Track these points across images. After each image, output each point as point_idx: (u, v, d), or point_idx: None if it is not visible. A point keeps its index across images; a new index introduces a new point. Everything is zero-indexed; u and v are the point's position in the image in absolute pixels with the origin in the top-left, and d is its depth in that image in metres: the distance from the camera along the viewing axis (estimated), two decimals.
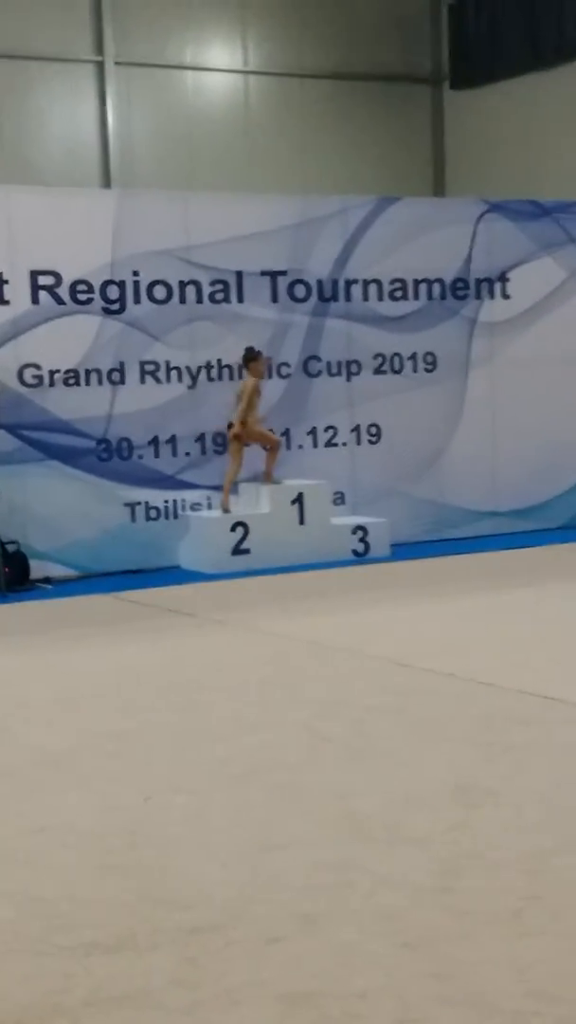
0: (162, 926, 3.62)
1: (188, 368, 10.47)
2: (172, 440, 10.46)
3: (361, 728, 5.62)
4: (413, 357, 11.48)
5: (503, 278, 11.75)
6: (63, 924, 3.68)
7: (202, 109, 18.00)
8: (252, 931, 3.57)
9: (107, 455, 10.21)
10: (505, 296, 11.79)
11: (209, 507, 10.60)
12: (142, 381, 10.30)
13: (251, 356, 10.42)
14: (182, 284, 10.43)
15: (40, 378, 9.90)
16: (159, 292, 10.33)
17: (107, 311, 10.13)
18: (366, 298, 11.21)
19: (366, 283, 11.23)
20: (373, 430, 11.36)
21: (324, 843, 4.20)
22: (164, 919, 3.67)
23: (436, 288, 11.55)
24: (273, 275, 10.82)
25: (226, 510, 10.44)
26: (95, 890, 3.93)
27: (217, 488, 10.55)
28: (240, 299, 10.65)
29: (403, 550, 10.89)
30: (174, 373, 10.43)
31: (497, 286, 11.75)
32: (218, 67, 17.91)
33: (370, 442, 11.32)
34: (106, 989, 3.26)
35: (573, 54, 17.05)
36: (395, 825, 4.35)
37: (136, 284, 10.24)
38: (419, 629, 7.81)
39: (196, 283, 10.48)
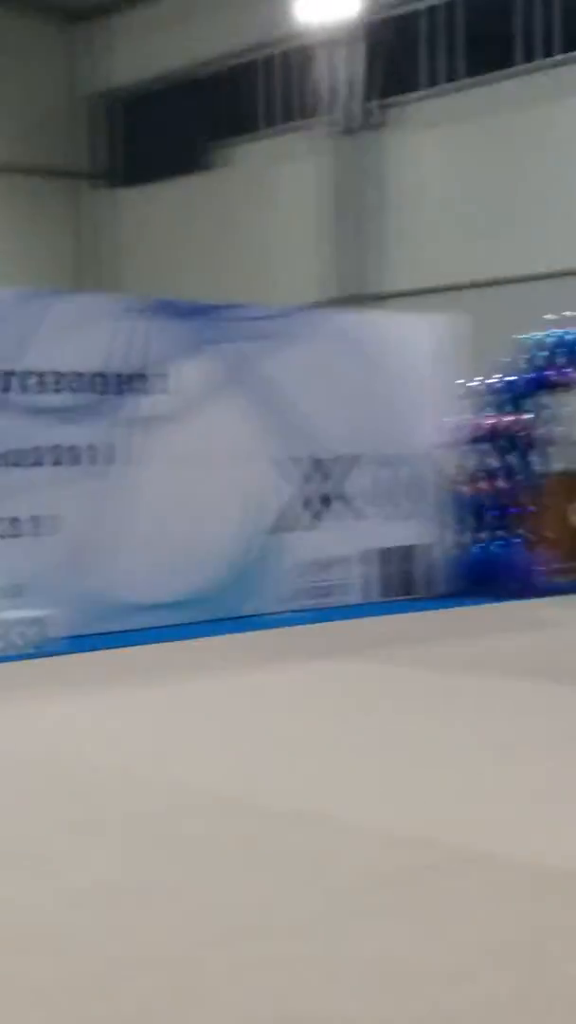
0: None
1: None
2: None
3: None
4: (73, 450, 11.14)
5: (155, 375, 11.58)
6: None
7: None
8: None
9: None
10: (157, 393, 11.59)
11: None
12: None
13: None
14: None
15: None
16: None
17: None
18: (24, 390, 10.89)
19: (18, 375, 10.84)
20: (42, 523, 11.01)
21: None
22: None
23: (90, 382, 11.27)
24: None
25: None
26: None
27: None
28: None
29: (82, 642, 10.54)
30: None
31: (150, 382, 11.56)
32: None
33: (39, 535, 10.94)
34: None
35: (208, 164, 17.96)
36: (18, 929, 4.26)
37: None
38: (75, 718, 7.81)
39: None
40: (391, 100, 19.68)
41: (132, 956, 4.07)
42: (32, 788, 6.21)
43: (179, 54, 18.35)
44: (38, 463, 11.09)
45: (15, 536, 10.91)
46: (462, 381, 13.65)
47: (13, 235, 18.44)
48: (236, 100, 18.43)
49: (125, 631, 11.18)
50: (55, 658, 10.31)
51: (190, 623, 11.57)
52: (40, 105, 18.92)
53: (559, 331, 14.28)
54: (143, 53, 18.83)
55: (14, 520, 10.93)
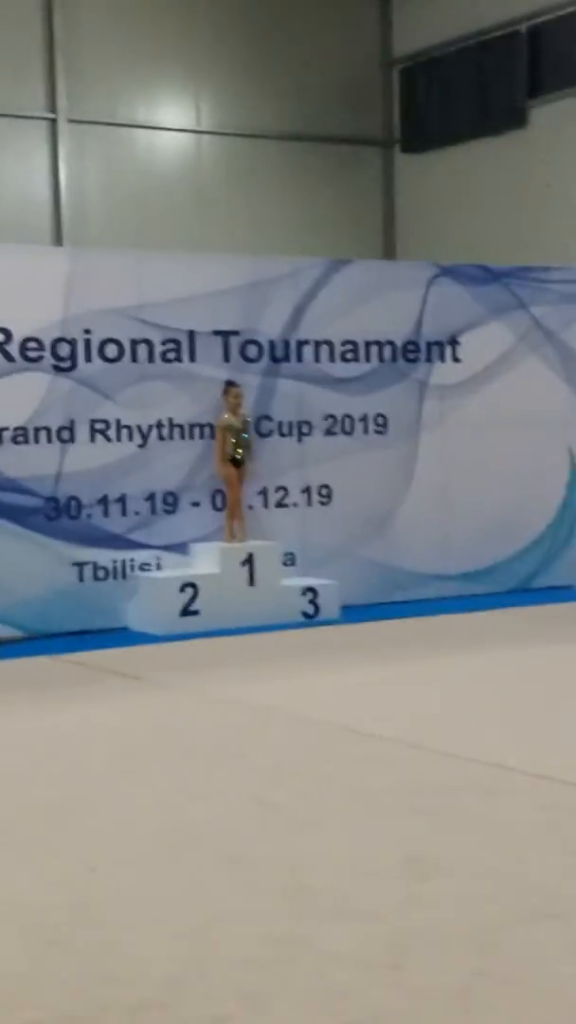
0: (106, 1004, 3.56)
1: (139, 427, 10.53)
2: (122, 499, 10.49)
3: (310, 798, 5.55)
4: (364, 419, 11.63)
5: (454, 341, 11.94)
6: (2, 1003, 3.62)
7: (154, 168, 18.11)
8: (197, 1009, 3.51)
9: (55, 514, 10.23)
10: (456, 359, 11.95)
11: (158, 567, 10.65)
12: (92, 439, 10.35)
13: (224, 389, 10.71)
14: (134, 343, 10.49)
15: None
16: (111, 350, 10.39)
17: (58, 369, 10.19)
18: (318, 359, 11.41)
19: (318, 344, 11.43)
20: (324, 491, 11.51)
21: (271, 917, 4.16)
22: (108, 997, 3.60)
23: (387, 351, 11.77)
24: (225, 335, 10.96)
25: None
26: (36, 967, 3.85)
27: (167, 547, 10.62)
28: (192, 359, 10.76)
29: (353, 612, 10.94)
30: (125, 432, 10.49)
31: (448, 349, 11.92)
32: (171, 126, 18.03)
33: (321, 503, 11.48)
34: None
35: (521, 121, 17.34)
36: (344, 898, 4.31)
37: (87, 342, 10.29)
38: (369, 694, 7.76)
39: (148, 342, 10.56)
40: None
41: (430, 928, 4.05)
42: (317, 754, 6.31)
43: (480, 16, 17.85)
44: (336, 431, 11.47)
45: (321, 505, 11.41)
46: None
47: (314, 205, 18.76)
48: (538, 59, 17.59)
49: (408, 601, 11.50)
50: (330, 627, 10.57)
51: (477, 595, 11.77)
52: (345, 72, 19.07)
53: None
54: (445, 17, 18.45)
55: (322, 487, 11.38)
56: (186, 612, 10.34)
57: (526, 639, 9.71)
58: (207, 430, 10.83)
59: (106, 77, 17.46)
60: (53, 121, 17.08)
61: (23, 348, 10.00)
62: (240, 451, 10.76)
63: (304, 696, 7.78)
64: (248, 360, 11.05)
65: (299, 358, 11.29)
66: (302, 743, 6.60)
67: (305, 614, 10.73)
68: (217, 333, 10.88)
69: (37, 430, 10.09)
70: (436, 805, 5.36)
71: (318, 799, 5.53)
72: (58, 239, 17.15)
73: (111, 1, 17.56)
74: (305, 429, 11.36)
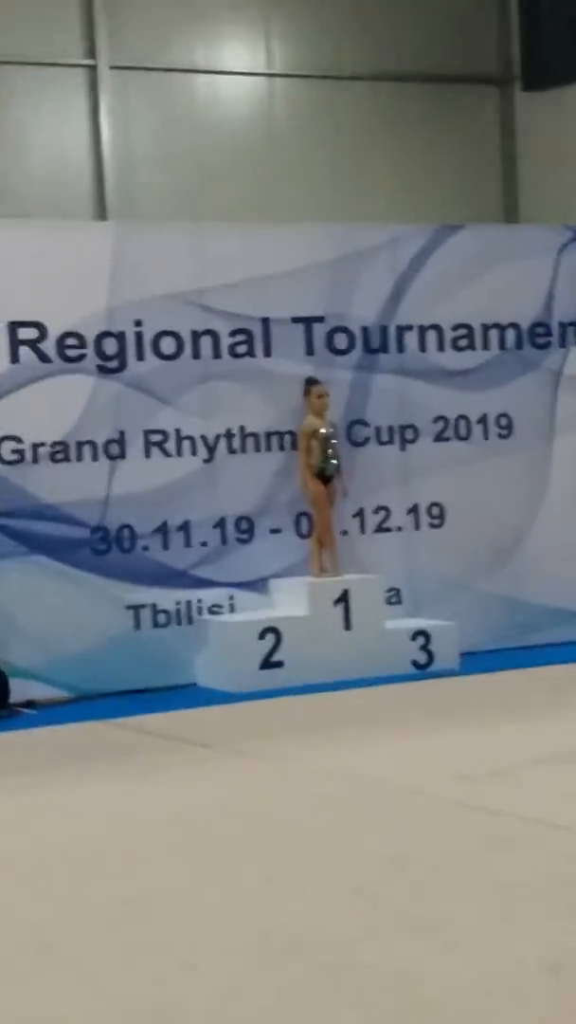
0: None
1: (204, 438, 10.69)
2: (185, 527, 10.63)
3: (428, 891, 5.50)
4: (483, 420, 11.63)
5: None
6: None
7: (217, 120, 18.17)
8: None
9: (104, 547, 10.38)
10: None
11: (231, 609, 10.76)
12: (147, 455, 10.52)
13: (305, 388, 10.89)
14: (195, 335, 10.67)
15: (21, 453, 10.21)
16: (167, 345, 10.57)
17: (103, 370, 10.38)
18: (423, 348, 11.37)
19: (423, 330, 11.41)
20: (435, 511, 11.46)
21: None
22: None
23: (510, 336, 11.71)
24: (308, 322, 11.07)
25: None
26: None
27: (241, 586, 10.74)
28: (267, 352, 10.89)
29: (476, 660, 10.96)
30: (187, 444, 10.65)
31: None
32: (236, 69, 18.29)
33: (432, 526, 11.43)
34: None
35: None
36: (474, 1016, 4.28)
37: (139, 336, 10.49)
38: (500, 763, 7.69)
39: (213, 333, 10.72)
40: None
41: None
42: (434, 838, 6.39)
43: None
44: (448, 436, 11.68)
45: (432, 528, 11.66)
46: None
47: (414, 158, 19.11)
48: None
49: (545, 645, 11.55)
50: (448, 680, 10.60)
51: None
52: (449, 1, 19.60)
53: None
54: None
55: (432, 506, 11.67)
56: (267, 664, 10.45)
57: None
58: (287, 439, 10.90)
59: (155, 12, 17.81)
60: (92, 68, 17.39)
61: (61, 345, 10.26)
62: (330, 463, 10.82)
63: (417, 767, 7.71)
64: (336, 352, 11.12)
65: (400, 348, 11.32)
66: (415, 824, 6.55)
67: (416, 664, 10.80)
68: (297, 320, 10.99)
69: (80, 445, 10.33)
70: None
71: (436, 893, 5.49)
72: (101, 212, 17.22)
73: None
74: (410, 435, 11.39)
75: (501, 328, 11.72)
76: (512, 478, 11.78)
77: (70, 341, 10.29)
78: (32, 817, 7.21)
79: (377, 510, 11.29)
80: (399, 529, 11.40)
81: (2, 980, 4.88)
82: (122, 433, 10.47)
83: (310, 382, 10.88)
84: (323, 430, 10.77)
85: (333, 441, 10.86)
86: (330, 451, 10.88)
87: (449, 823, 6.56)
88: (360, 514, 11.23)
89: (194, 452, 10.69)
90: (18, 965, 5.02)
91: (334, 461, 10.89)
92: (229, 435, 10.76)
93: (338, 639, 10.66)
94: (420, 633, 10.90)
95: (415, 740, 8.49)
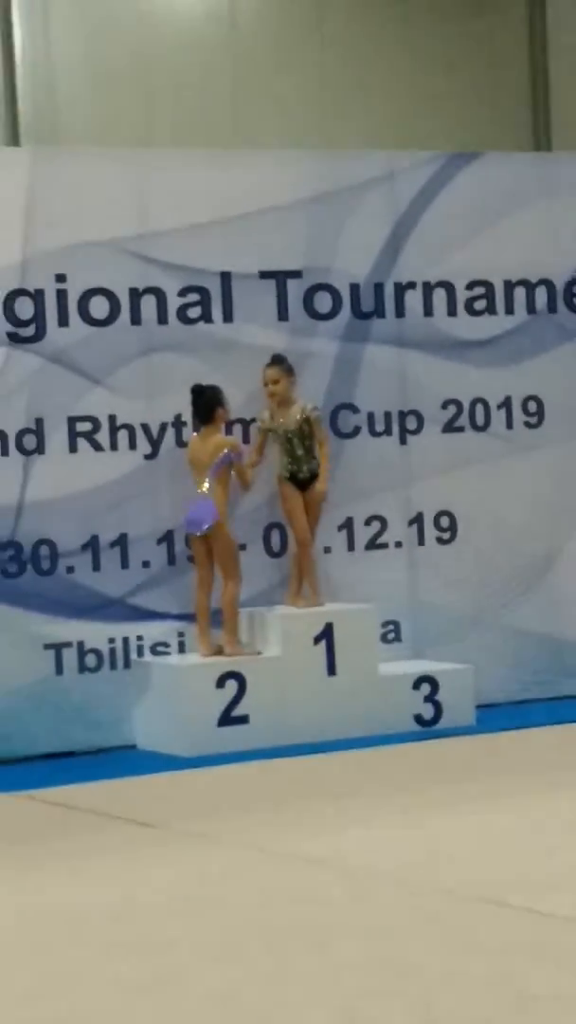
0: None
1: (146, 427, 9.86)
2: (121, 541, 9.81)
3: (434, 1008, 5.21)
4: (506, 404, 10.79)
5: None
6: None
7: (162, 23, 17.16)
8: None
9: (16, 568, 9.68)
10: None
11: (181, 649, 10.02)
12: (72, 449, 9.75)
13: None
14: (135, 294, 9.88)
15: None
16: (99, 307, 9.79)
17: (15, 339, 9.59)
18: (429, 312, 10.48)
19: (429, 288, 10.47)
20: (444, 522, 10.63)
21: None
22: None
23: (541, 295, 10.81)
24: (281, 277, 10.22)
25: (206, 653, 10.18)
26: None
27: (193, 618, 9.98)
28: (227, 317, 10.09)
29: (496, 714, 10.45)
30: (124, 435, 9.80)
31: None
32: None
33: (440, 541, 10.69)
34: None
35: None
36: None
37: (61, 295, 9.70)
38: (522, 848, 7.39)
39: (158, 292, 9.88)
40: None
41: None
42: (445, 941, 6.14)
43: None
44: (461, 426, 10.69)
45: (440, 544, 10.82)
46: None
47: (415, 65, 17.92)
48: None
49: None
50: (461, 739, 9.94)
51: None
52: None
53: None
54: None
55: (440, 515, 10.74)
56: (227, 720, 9.77)
57: None
58: (253, 430, 10.13)
59: None
60: None
61: None
62: (302, 465, 9.98)
63: (421, 852, 7.30)
64: (318, 317, 10.24)
65: (399, 311, 10.48)
66: (414, 924, 6.18)
67: (420, 719, 10.13)
68: (267, 275, 10.17)
69: None
70: None
71: (445, 1010, 5.21)
72: (14, 135, 16.14)
73: None
74: (412, 424, 10.50)
75: (530, 286, 10.79)
76: (543, 480, 10.89)
77: None
78: None
79: (370, 521, 10.37)
80: (398, 545, 10.50)
81: None
82: (39, 421, 9.59)
83: (272, 363, 9.99)
84: (283, 426, 9.94)
85: (297, 439, 9.99)
86: (299, 451, 9.95)
87: (454, 922, 6.24)
88: (348, 526, 10.33)
89: (133, 446, 9.79)
90: None
91: (307, 466, 9.99)
92: (179, 423, 9.83)
93: (320, 687, 9.86)
94: (425, 679, 10.16)
95: (414, 818, 7.93)
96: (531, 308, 10.77)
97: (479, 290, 10.61)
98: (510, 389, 10.70)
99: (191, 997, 5.38)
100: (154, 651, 9.91)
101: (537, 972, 5.48)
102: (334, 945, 5.93)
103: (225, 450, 9.92)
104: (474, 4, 18.56)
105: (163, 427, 9.85)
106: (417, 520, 10.52)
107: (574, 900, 6.32)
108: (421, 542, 10.54)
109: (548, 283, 10.78)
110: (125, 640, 9.87)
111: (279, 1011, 5.33)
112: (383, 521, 10.41)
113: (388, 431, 10.47)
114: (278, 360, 10.13)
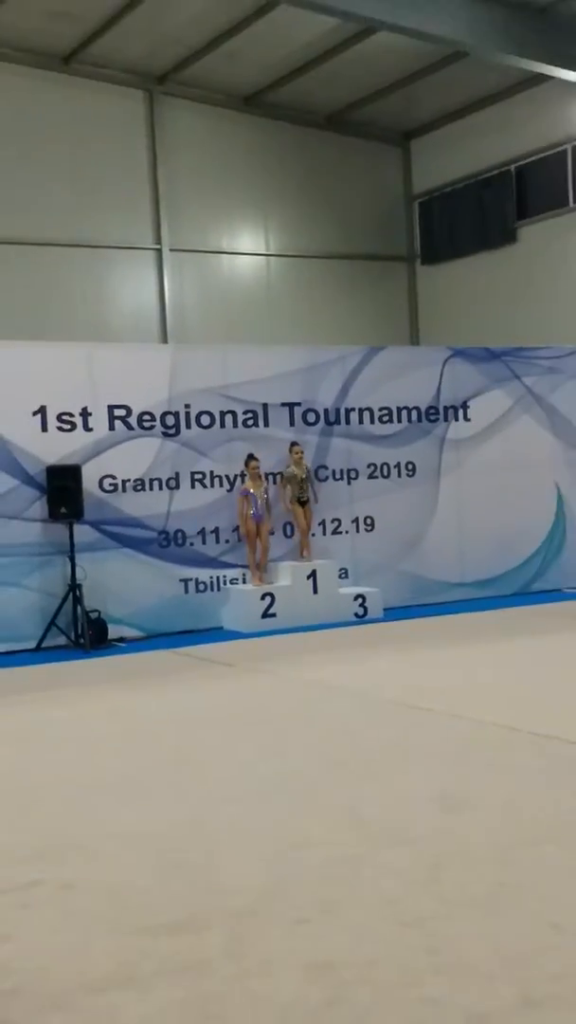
0: (214, 910, 4.10)
1: (227, 476, 12.00)
2: (215, 531, 11.91)
3: (366, 753, 6.18)
4: (398, 466, 12.95)
5: (465, 405, 13.48)
6: (135, 910, 4.12)
7: (235, 283, 20.41)
8: (284, 914, 4.05)
9: (166, 543, 11.57)
10: (467, 419, 13.58)
11: (244, 581, 11.97)
12: (192, 487, 11.71)
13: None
14: (222, 413, 11.91)
15: (116, 485, 11.42)
16: (205, 419, 11.82)
17: (165, 434, 11.56)
18: (361, 421, 12.64)
19: (361, 411, 12.69)
20: (368, 521, 12.76)
21: (338, 843, 4.76)
22: (215, 904, 4.17)
23: (414, 414, 13.04)
24: (291, 405, 12.32)
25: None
26: (160, 882, 4.41)
27: (249, 567, 11.92)
28: (266, 424, 12.14)
29: (393, 613, 12.33)
30: (216, 480, 11.97)
31: (460, 411, 13.45)
32: (246, 251, 20.62)
33: (366, 530, 12.71)
34: (171, 961, 3.74)
35: (513, 239, 19.70)
36: (392, 829, 4.88)
37: (187, 414, 11.73)
38: (410, 674, 8.57)
39: (233, 412, 11.98)
40: None
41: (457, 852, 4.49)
42: (371, 720, 7.06)
43: (480, 160, 20.36)
44: (377, 476, 12.75)
45: (367, 531, 12.36)
46: None
47: (356, 306, 20.60)
48: (525, 191, 19.88)
49: (435, 604, 12.77)
50: (377, 625, 11.58)
51: (488, 598, 13.01)
52: (378, 206, 21.31)
53: None
54: (452, 161, 20.90)
55: (367, 518, 12.46)
56: (266, 615, 11.76)
57: (529, 631, 10.66)
58: (279, 478, 12.10)
59: (198, 215, 20.03)
60: (159, 250, 19.70)
61: (140, 419, 11.50)
62: (305, 494, 11.88)
63: (360, 676, 8.55)
64: (308, 424, 12.32)
65: (347, 421, 12.46)
66: (359, 712, 7.27)
67: (356, 615, 12.17)
68: (284, 404, 12.22)
69: (151, 480, 11.52)
70: (463, 757, 6.01)
71: (372, 754, 6.13)
72: (164, 339, 19.35)
73: (201, 157, 20.13)
74: (353, 475, 12.54)
75: (408, 409, 12.95)
76: (415, 501, 13.01)
77: (146, 417, 11.50)
78: (121, 708, 7.90)
79: (333, 520, 12.55)
80: (347, 532, 12.55)
81: (100, 804, 5.37)
82: (177, 473, 11.65)
83: (293, 444, 11.98)
84: (299, 474, 11.94)
85: (306, 479, 12.01)
86: (304, 487, 11.93)
87: (380, 712, 7.20)
88: (323, 523, 12.52)
89: (221, 485, 12.00)
90: (108, 795, 5.57)
91: (307, 494, 11.82)
92: (243, 475, 12.08)
93: (309, 599, 11.92)
94: (359, 596, 12.20)
95: (358, 661, 9.37)
96: (409, 420, 12.88)
97: (385, 411, 12.72)
98: (400, 458, 12.79)
99: (249, 745, 6.05)
100: (231, 582, 11.77)
101: (417, 736, 6.14)
102: (317, 722, 6.67)
103: (251, 490, 11.25)
104: (380, 273, 21.51)
105: (235, 476, 11.80)
106: (356, 520, 12.47)
107: (434, 699, 7.12)
108: (358, 531, 12.46)
109: (417, 408, 12.92)
110: (218, 577, 11.72)
111: (292, 747, 5.89)
112: (339, 521, 12.38)
113: (342, 478, 12.39)
114: (295, 443, 11.79)
